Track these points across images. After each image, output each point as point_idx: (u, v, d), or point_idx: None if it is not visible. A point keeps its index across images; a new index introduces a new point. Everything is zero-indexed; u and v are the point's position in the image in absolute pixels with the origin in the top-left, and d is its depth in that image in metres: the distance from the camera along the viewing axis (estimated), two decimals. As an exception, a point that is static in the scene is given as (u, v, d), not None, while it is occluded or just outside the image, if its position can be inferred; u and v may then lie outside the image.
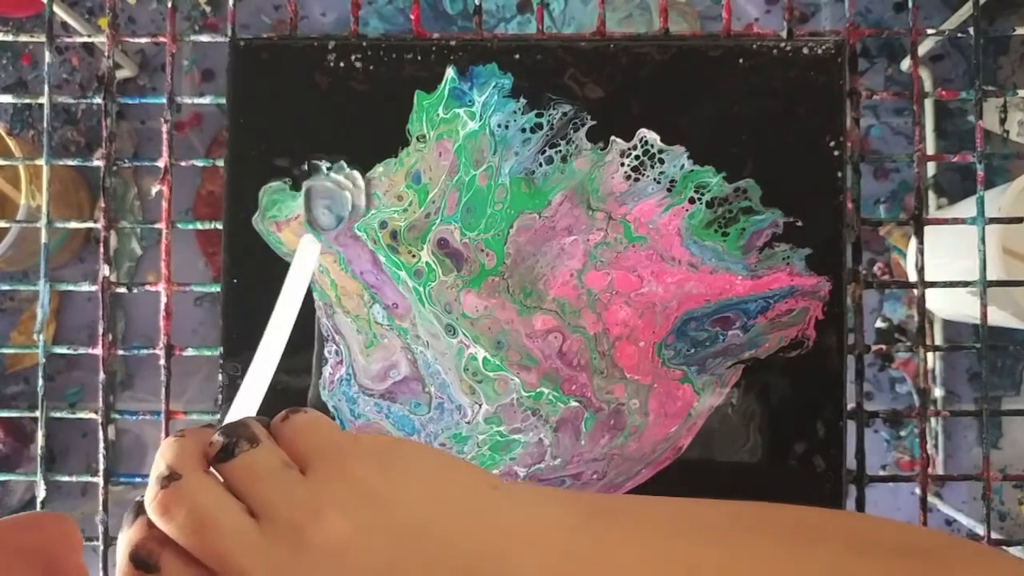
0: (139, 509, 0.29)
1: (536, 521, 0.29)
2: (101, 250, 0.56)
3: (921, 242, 0.54)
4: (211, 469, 0.29)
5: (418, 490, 0.29)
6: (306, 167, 0.51)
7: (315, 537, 0.27)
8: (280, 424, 0.30)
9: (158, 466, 0.28)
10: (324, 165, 0.52)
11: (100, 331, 0.55)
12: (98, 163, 0.56)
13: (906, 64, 1.09)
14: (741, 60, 0.52)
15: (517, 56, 0.53)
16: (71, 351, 0.57)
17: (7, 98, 0.60)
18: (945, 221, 0.58)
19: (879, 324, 1.11)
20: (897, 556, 0.28)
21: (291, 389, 0.53)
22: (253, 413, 0.33)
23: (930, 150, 1.06)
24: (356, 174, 0.51)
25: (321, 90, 0.53)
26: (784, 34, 0.54)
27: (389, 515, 0.28)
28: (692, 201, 0.52)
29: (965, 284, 0.55)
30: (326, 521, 0.27)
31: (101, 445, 0.55)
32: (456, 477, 0.30)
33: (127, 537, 0.28)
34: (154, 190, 1.11)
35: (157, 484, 0.28)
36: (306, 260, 0.34)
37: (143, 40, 0.58)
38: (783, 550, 0.28)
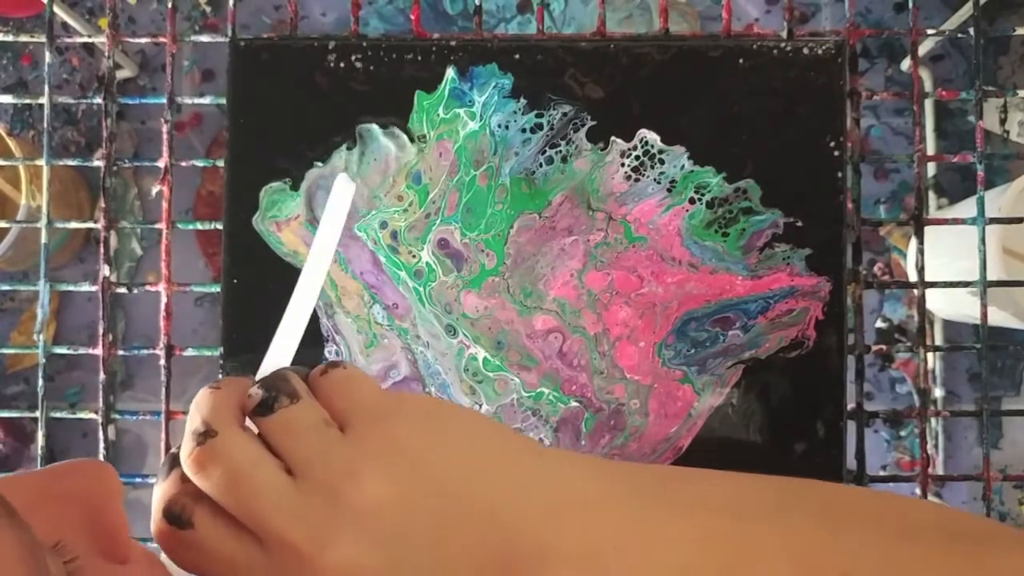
0: (173, 462, 0.28)
1: (582, 494, 0.28)
2: (101, 250, 0.56)
3: (921, 242, 0.54)
4: (248, 423, 0.28)
5: (461, 455, 0.28)
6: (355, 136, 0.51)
7: (352, 497, 0.26)
8: (319, 378, 0.29)
9: (193, 420, 0.28)
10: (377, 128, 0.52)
11: (100, 331, 0.55)
12: (98, 163, 0.56)
13: (906, 64, 1.09)
14: (741, 60, 0.52)
15: (517, 56, 0.53)
16: (71, 351, 0.57)
17: (7, 98, 0.60)
18: (945, 221, 0.58)
19: (879, 324, 1.11)
20: (947, 540, 0.27)
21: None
22: (288, 362, 0.31)
23: (930, 150, 1.06)
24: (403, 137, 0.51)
25: (321, 90, 0.53)
26: (784, 34, 0.54)
27: (430, 479, 0.27)
28: (692, 201, 0.52)
29: (965, 284, 0.55)
30: (364, 481, 0.26)
31: (101, 445, 0.55)
32: (501, 444, 0.29)
33: (161, 491, 0.28)
34: (154, 190, 1.11)
35: (193, 439, 0.27)
36: (341, 200, 0.33)
37: (143, 40, 0.58)
38: (832, 530, 0.27)
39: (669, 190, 0.52)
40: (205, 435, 0.27)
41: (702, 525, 0.27)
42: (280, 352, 0.32)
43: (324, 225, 0.33)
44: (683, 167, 0.52)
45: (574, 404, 0.52)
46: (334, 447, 0.27)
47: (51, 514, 0.25)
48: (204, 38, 0.57)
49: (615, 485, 0.28)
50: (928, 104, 1.07)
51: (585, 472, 0.29)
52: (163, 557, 0.28)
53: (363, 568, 0.26)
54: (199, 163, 0.58)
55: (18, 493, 0.24)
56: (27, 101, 0.61)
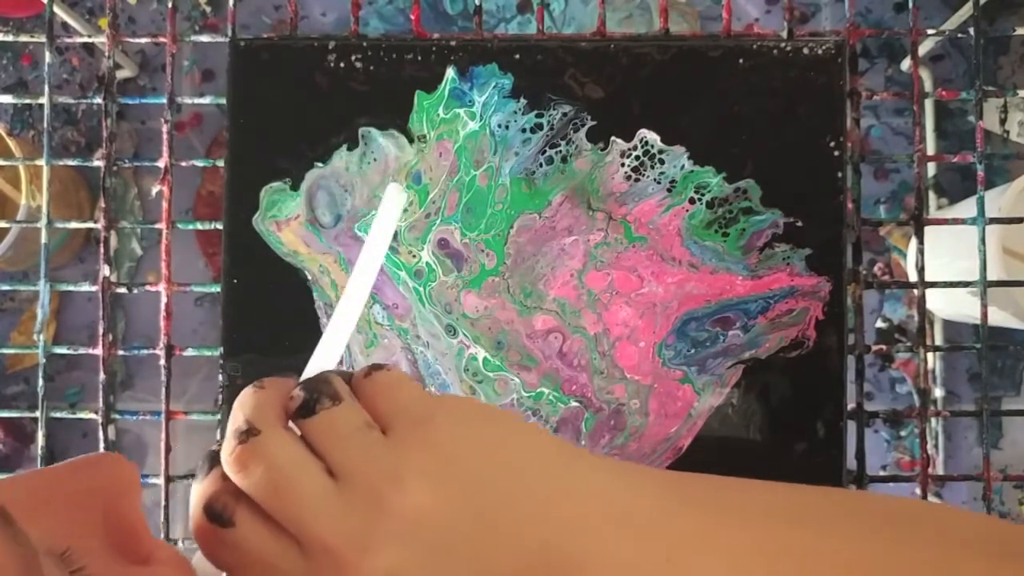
0: (213, 460, 0.28)
1: (634, 504, 0.27)
2: (101, 250, 0.56)
3: (921, 242, 0.54)
4: (290, 424, 0.28)
5: (505, 461, 0.27)
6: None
7: (394, 504, 0.26)
8: (362, 380, 0.29)
9: (236, 419, 0.27)
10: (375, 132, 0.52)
11: (100, 331, 0.55)
12: (98, 163, 0.56)
13: (906, 64, 1.09)
14: (741, 60, 0.52)
15: (517, 56, 0.53)
16: (71, 351, 0.57)
17: (7, 98, 0.60)
18: (945, 221, 0.58)
19: (879, 324, 1.11)
20: (1000, 559, 0.27)
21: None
22: (333, 365, 0.31)
23: (930, 150, 1.06)
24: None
25: (321, 90, 0.53)
26: (784, 34, 0.54)
27: (472, 485, 0.27)
28: (692, 201, 0.52)
29: (965, 284, 0.55)
30: (406, 487, 0.26)
31: (101, 445, 0.55)
32: (545, 449, 0.28)
33: (202, 489, 0.28)
34: (154, 190, 1.11)
35: (235, 438, 0.27)
36: (393, 208, 0.34)
37: (143, 40, 0.58)
38: (889, 542, 0.27)
39: (669, 190, 0.52)
40: (248, 433, 0.27)
41: (757, 534, 0.27)
42: (325, 355, 0.32)
43: (375, 233, 0.33)
44: (683, 167, 0.52)
45: (574, 404, 0.52)
46: (376, 450, 0.27)
47: (64, 514, 0.25)
48: (204, 38, 0.57)
49: (666, 494, 0.28)
50: (928, 104, 1.07)
51: (635, 480, 0.28)
52: (195, 558, 0.28)
53: (405, 574, 0.26)
54: (199, 163, 0.58)
55: (28, 493, 0.24)
56: (27, 101, 0.61)
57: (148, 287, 0.55)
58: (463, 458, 0.27)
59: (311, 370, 0.31)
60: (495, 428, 0.28)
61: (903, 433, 1.10)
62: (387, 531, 0.26)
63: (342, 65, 0.53)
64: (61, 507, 0.25)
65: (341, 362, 0.52)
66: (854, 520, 0.28)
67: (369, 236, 0.33)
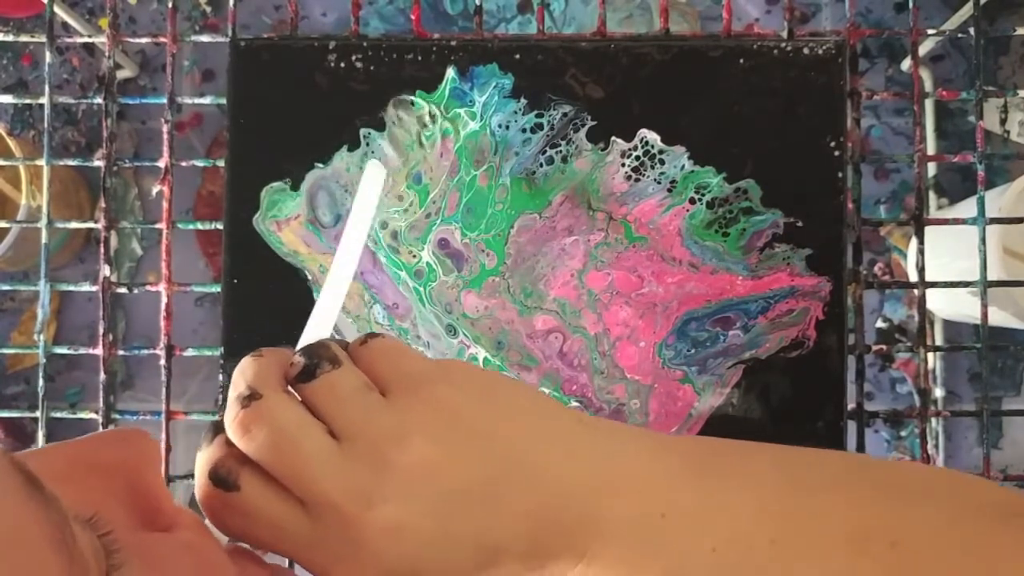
0: (217, 428, 0.28)
1: (636, 465, 0.27)
2: (101, 250, 0.56)
3: (921, 242, 0.54)
4: (290, 389, 0.28)
5: (512, 420, 0.28)
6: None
7: (397, 461, 0.26)
8: (359, 348, 0.29)
9: (237, 385, 0.28)
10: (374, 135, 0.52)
11: (100, 331, 0.55)
12: (98, 163, 0.56)
13: (906, 64, 1.09)
14: (741, 60, 0.52)
15: (518, 56, 0.53)
16: (71, 351, 0.57)
17: (7, 98, 0.60)
18: (946, 221, 0.58)
19: (879, 324, 1.11)
20: (1008, 517, 0.27)
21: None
22: (330, 327, 0.32)
23: (931, 150, 1.06)
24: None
25: (321, 90, 0.53)
26: (784, 34, 0.54)
27: (480, 440, 0.27)
28: (692, 201, 0.52)
29: (966, 284, 0.55)
30: (409, 445, 0.26)
31: (101, 445, 0.55)
32: (552, 411, 0.29)
33: (206, 456, 0.28)
34: (155, 190, 1.11)
35: (237, 403, 0.27)
36: (372, 184, 0.34)
37: (144, 40, 0.58)
38: (888, 505, 0.27)
39: (669, 190, 0.52)
40: (250, 398, 0.27)
41: (756, 497, 0.27)
42: (317, 328, 0.32)
43: (357, 208, 0.34)
44: (683, 167, 0.52)
45: (574, 404, 0.52)
46: (378, 410, 0.27)
47: (88, 485, 0.25)
48: (204, 38, 0.57)
49: (669, 457, 0.28)
50: (928, 104, 1.07)
51: (639, 443, 0.28)
52: (206, 523, 0.28)
53: (410, 528, 0.26)
54: (199, 163, 0.58)
55: (53, 464, 0.24)
56: (27, 101, 0.61)
57: (148, 287, 0.55)
58: (465, 416, 0.27)
59: (304, 342, 0.31)
60: (501, 391, 0.28)
61: (903, 433, 1.10)
62: (391, 487, 0.26)
63: (342, 65, 0.53)
64: (88, 477, 0.25)
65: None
66: (856, 485, 0.28)
67: (350, 214, 0.33)
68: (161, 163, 0.55)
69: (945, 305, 0.95)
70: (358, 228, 0.33)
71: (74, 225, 0.58)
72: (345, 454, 0.26)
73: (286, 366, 0.29)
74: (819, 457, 0.30)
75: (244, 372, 0.28)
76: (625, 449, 0.28)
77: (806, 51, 0.52)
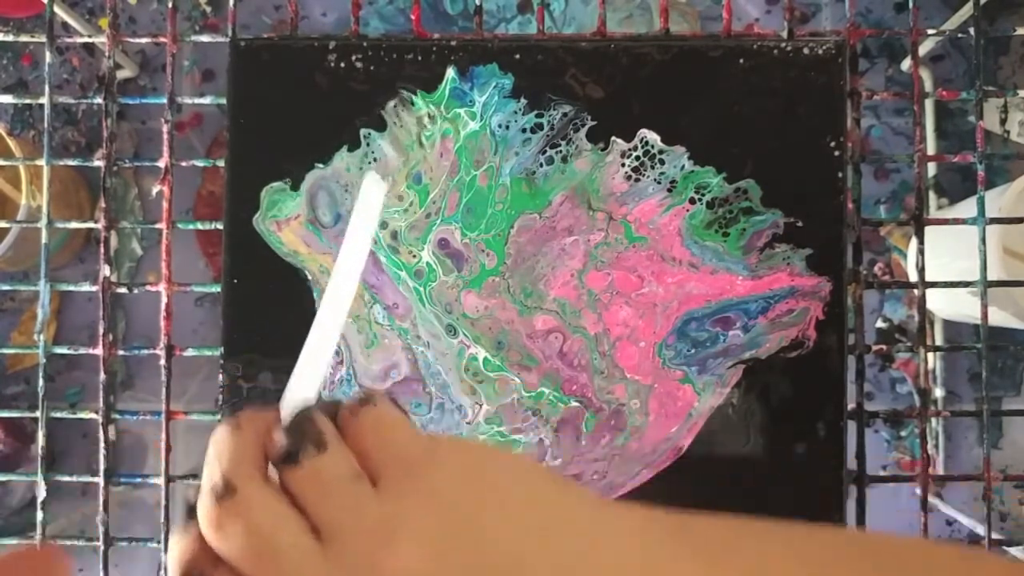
0: (191, 513, 0.26)
1: (643, 558, 0.26)
2: (101, 250, 0.56)
3: (921, 242, 0.54)
4: (271, 471, 0.26)
5: (507, 515, 0.26)
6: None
7: (385, 564, 0.24)
8: (348, 418, 0.27)
9: (213, 473, 0.26)
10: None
11: (100, 331, 0.55)
12: (98, 163, 0.56)
13: (906, 64, 1.09)
14: (741, 60, 0.52)
15: (518, 56, 0.53)
16: (71, 351, 0.57)
17: (7, 98, 0.60)
18: (945, 221, 0.58)
19: (879, 324, 1.11)
20: None
21: (291, 389, 0.53)
22: (318, 382, 0.29)
23: (930, 150, 1.06)
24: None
25: (321, 90, 0.53)
26: (784, 34, 0.54)
27: (473, 546, 0.25)
28: (692, 201, 0.52)
29: (966, 284, 0.55)
30: (399, 549, 0.24)
31: (102, 445, 0.55)
32: (552, 499, 0.27)
33: (179, 553, 0.26)
34: (155, 190, 1.11)
35: (211, 496, 0.25)
36: (371, 201, 0.30)
37: (144, 40, 0.58)
38: None
39: (669, 190, 0.52)
40: (225, 491, 0.25)
41: None
42: (309, 371, 0.29)
43: (354, 229, 0.30)
44: (683, 167, 0.52)
45: (574, 404, 0.52)
46: (366, 506, 0.25)
47: None
48: (204, 38, 0.57)
49: (678, 547, 0.27)
50: (928, 104, 1.07)
51: (644, 528, 0.27)
52: None
53: None
54: (199, 163, 0.58)
55: None
56: (27, 101, 0.61)
57: (148, 287, 0.55)
58: (463, 511, 0.25)
59: (292, 392, 0.29)
60: (491, 474, 0.27)
61: (903, 433, 1.10)
62: None
63: (342, 65, 0.53)
64: None
65: (340, 361, 0.52)
66: (864, 562, 0.27)
67: (347, 235, 0.30)
68: (161, 163, 0.55)
69: (945, 305, 0.95)
70: (355, 255, 0.30)
71: (74, 225, 0.58)
72: (327, 558, 0.25)
73: (267, 440, 0.26)
74: (813, 533, 0.29)
75: (220, 455, 0.26)
76: (632, 538, 0.27)
77: (806, 51, 0.52)
